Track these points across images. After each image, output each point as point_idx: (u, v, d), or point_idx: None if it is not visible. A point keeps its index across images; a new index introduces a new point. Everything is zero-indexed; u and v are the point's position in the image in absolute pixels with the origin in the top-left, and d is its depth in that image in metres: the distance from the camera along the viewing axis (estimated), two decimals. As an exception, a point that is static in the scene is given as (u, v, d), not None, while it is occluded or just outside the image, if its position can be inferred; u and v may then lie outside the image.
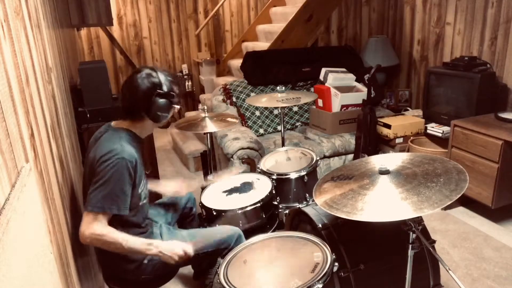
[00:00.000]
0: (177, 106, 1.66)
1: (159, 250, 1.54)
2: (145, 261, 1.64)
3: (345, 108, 3.41)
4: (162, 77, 1.58)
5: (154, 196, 2.41)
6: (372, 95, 3.16)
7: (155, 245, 1.54)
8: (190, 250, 1.58)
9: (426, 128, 3.25)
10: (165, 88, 1.57)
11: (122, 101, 1.61)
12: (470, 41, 3.41)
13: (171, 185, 2.03)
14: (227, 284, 1.34)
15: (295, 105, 3.68)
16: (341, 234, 1.66)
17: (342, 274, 1.56)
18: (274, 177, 2.25)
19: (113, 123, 1.66)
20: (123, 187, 1.50)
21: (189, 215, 2.10)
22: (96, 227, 1.44)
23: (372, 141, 3.18)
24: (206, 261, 2.11)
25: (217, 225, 1.93)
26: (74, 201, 1.68)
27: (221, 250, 1.76)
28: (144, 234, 1.66)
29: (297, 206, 1.93)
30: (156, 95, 1.56)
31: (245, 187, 2.14)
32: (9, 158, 0.79)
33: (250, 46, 4.46)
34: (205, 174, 2.70)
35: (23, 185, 0.82)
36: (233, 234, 1.79)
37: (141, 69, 1.60)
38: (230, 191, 2.12)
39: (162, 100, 1.57)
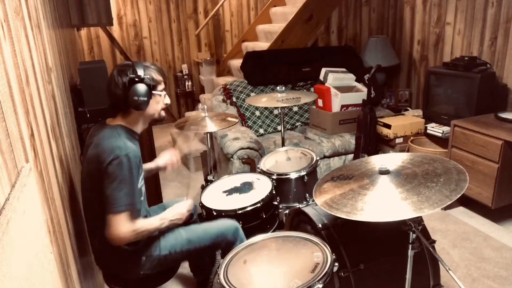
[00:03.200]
0: (160, 93, 1.67)
1: (169, 220, 1.65)
2: (144, 258, 1.64)
3: (345, 108, 3.41)
4: (136, 65, 1.61)
5: (154, 200, 2.41)
6: (372, 95, 3.16)
7: (164, 218, 1.65)
8: (190, 206, 1.76)
9: (426, 128, 3.25)
10: (139, 73, 1.59)
11: (108, 99, 1.63)
12: (470, 41, 3.41)
13: (163, 158, 2.03)
14: (227, 284, 1.34)
15: (295, 105, 3.69)
16: (341, 234, 1.66)
17: (342, 274, 1.56)
18: (274, 177, 2.25)
19: (107, 121, 1.67)
20: (136, 183, 1.55)
21: (189, 222, 2.09)
22: (132, 224, 1.51)
23: (372, 141, 3.18)
24: (207, 269, 2.10)
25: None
26: (74, 201, 1.68)
27: (218, 243, 1.77)
28: None
29: (297, 206, 1.93)
30: (130, 81, 1.57)
31: (245, 187, 2.15)
32: (9, 158, 0.79)
33: (250, 46, 4.46)
34: (205, 174, 2.70)
35: (23, 185, 0.82)
36: (230, 227, 1.80)
37: (117, 64, 1.65)
38: (230, 191, 2.12)
39: (137, 85, 1.57)
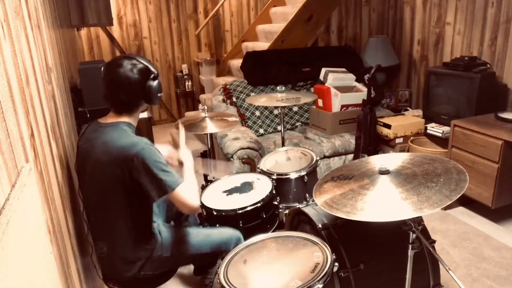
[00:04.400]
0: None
1: (191, 168, 1.75)
2: (146, 258, 1.64)
3: (345, 108, 3.41)
4: (144, 62, 1.59)
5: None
6: (372, 95, 3.16)
7: (189, 169, 1.74)
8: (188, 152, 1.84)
9: (426, 128, 3.25)
10: (153, 70, 1.60)
11: (116, 99, 1.59)
12: (470, 41, 3.41)
13: (163, 149, 2.00)
14: (227, 284, 1.34)
15: (295, 105, 3.68)
16: (341, 234, 1.66)
17: (342, 274, 1.56)
18: (274, 177, 2.25)
19: (101, 120, 1.63)
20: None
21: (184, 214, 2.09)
22: (190, 190, 1.59)
23: (372, 141, 3.18)
24: (206, 260, 2.11)
25: (217, 225, 1.94)
26: (74, 201, 1.68)
27: (220, 252, 1.76)
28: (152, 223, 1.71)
29: (297, 206, 1.93)
30: (149, 79, 1.58)
31: (245, 187, 2.15)
32: (9, 158, 0.79)
33: (250, 46, 4.46)
34: (205, 174, 2.70)
35: (23, 185, 0.82)
36: (232, 237, 1.80)
37: (119, 62, 1.56)
38: (230, 191, 2.12)
39: (155, 82, 1.60)
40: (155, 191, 1.51)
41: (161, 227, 1.77)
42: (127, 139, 1.52)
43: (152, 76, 1.58)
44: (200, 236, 1.78)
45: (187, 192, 1.55)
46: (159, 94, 1.63)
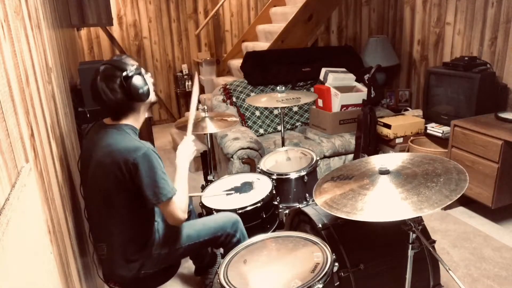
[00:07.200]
0: (147, 75, 1.65)
1: (186, 168, 1.74)
2: (145, 257, 1.64)
3: (345, 108, 3.41)
4: (117, 63, 1.56)
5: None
6: (372, 95, 3.16)
7: (182, 172, 1.72)
8: (192, 140, 1.83)
9: (426, 128, 3.25)
10: (128, 69, 1.55)
11: (104, 108, 1.59)
12: (470, 41, 3.41)
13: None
14: (227, 284, 1.35)
15: (295, 105, 3.68)
16: (341, 234, 1.66)
17: (342, 274, 1.56)
18: (274, 177, 2.25)
19: (106, 121, 1.63)
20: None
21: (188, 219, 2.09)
22: (179, 203, 1.59)
23: (372, 141, 3.18)
24: (207, 256, 2.11)
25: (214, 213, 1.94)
26: (74, 201, 1.68)
27: (218, 236, 1.77)
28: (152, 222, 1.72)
29: (297, 206, 1.93)
30: (125, 79, 1.54)
31: (245, 187, 2.15)
32: (9, 158, 0.79)
33: (250, 46, 4.46)
34: (205, 174, 2.70)
35: (23, 185, 0.82)
36: (229, 219, 1.80)
37: (97, 72, 1.57)
38: (230, 191, 2.12)
39: (134, 80, 1.55)
40: (151, 198, 1.52)
41: (159, 225, 1.77)
42: (130, 142, 1.52)
43: (124, 75, 1.54)
44: (197, 225, 1.78)
45: (178, 204, 1.58)
46: (140, 90, 1.56)
